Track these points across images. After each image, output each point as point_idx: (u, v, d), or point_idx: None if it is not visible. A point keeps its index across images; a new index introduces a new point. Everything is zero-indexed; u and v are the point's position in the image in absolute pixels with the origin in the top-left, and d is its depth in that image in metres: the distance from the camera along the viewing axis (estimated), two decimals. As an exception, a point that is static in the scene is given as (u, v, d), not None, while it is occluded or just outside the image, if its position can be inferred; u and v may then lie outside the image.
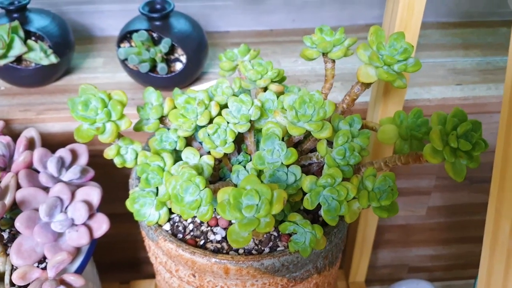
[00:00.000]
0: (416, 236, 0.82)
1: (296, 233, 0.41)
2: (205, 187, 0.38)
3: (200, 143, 0.49)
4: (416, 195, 0.77)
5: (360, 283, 0.76)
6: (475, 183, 0.75)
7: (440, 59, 0.77)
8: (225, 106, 0.45)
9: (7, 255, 0.50)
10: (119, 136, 0.46)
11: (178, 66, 0.68)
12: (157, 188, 0.45)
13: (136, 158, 0.47)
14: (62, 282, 0.46)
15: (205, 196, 0.38)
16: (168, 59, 0.69)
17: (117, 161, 0.46)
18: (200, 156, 0.45)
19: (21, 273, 0.45)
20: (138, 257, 0.82)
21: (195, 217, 0.46)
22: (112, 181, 0.63)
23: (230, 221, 0.46)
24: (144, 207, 0.45)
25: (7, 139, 0.57)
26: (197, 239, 0.45)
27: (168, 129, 0.47)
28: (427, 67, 0.74)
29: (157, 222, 0.45)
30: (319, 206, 0.41)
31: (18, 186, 0.51)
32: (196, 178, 0.38)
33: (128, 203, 0.45)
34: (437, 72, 0.74)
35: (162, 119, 0.48)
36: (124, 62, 0.68)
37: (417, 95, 0.68)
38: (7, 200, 0.49)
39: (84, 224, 0.50)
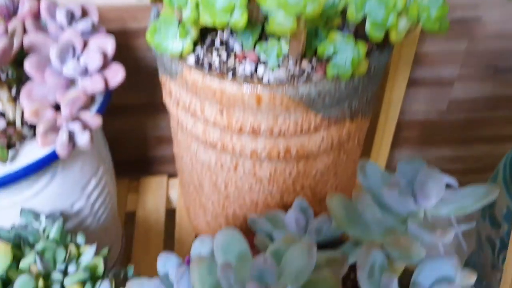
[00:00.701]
0: (435, 134, 0.80)
1: (336, 55, 0.37)
2: (240, -10, 0.34)
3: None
4: (438, 86, 0.74)
5: (379, 174, 0.73)
6: (500, 72, 0.72)
7: None
8: None
9: (16, 103, 0.46)
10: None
11: None
12: (179, 19, 0.41)
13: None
14: (78, 119, 0.42)
15: (240, -1, 0.34)
16: None
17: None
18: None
19: (34, 110, 0.42)
20: (148, 156, 0.79)
21: (220, 55, 0.43)
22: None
23: (259, 57, 0.42)
24: (166, 39, 0.41)
25: (9, -7, 0.53)
26: (224, 75, 0.41)
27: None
28: None
29: (181, 54, 0.41)
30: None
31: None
32: (229, -17, 0.34)
33: (148, 35, 0.41)
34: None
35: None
36: None
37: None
38: (15, 44, 0.45)
39: (98, 72, 0.47)
